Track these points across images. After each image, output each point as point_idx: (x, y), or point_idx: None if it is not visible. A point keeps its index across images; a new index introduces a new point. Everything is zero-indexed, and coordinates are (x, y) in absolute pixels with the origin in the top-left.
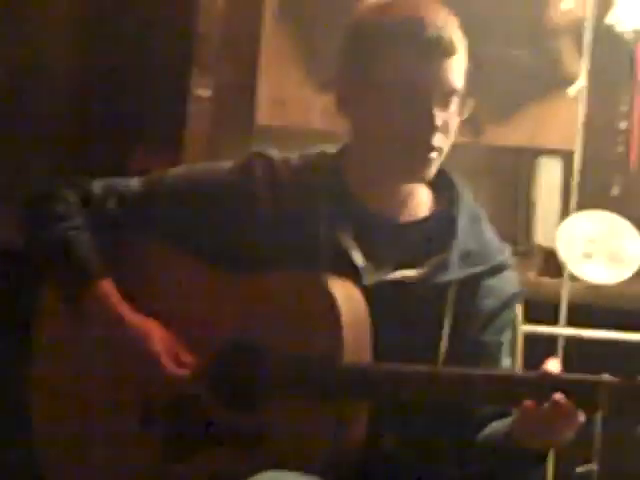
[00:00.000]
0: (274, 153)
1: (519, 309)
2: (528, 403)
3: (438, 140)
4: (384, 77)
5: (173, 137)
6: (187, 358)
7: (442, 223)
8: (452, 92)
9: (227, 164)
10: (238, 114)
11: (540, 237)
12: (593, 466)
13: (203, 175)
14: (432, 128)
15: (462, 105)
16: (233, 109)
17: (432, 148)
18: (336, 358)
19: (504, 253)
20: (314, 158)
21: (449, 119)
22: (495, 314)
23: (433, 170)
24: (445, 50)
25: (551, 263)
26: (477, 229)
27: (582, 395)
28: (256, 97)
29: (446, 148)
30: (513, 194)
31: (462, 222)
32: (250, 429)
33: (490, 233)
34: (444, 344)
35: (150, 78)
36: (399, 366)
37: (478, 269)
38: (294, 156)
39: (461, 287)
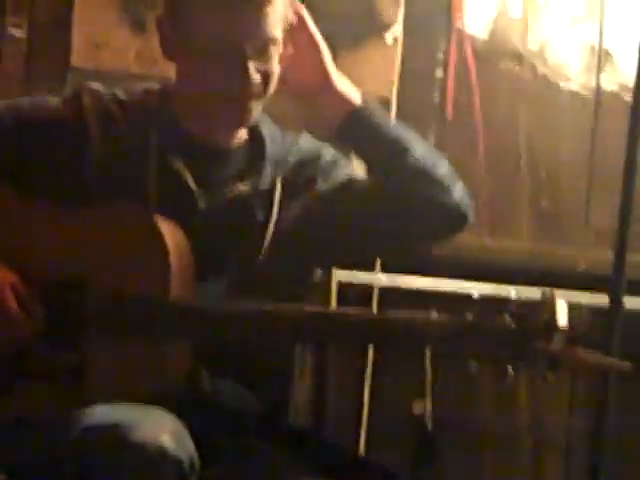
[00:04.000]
0: (100, 87)
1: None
2: None
3: (257, 89)
4: (198, 32)
5: None
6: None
7: (253, 144)
8: (269, 41)
9: (54, 99)
10: (52, 55)
11: None
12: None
13: (30, 110)
14: (249, 82)
15: (282, 51)
16: (47, 50)
17: (251, 97)
18: (162, 294)
19: (320, 150)
20: (140, 92)
21: (268, 67)
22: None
23: (254, 115)
24: (258, 1)
25: None
26: (278, 140)
27: (411, 332)
28: (71, 39)
29: (268, 93)
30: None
31: (267, 136)
32: (71, 365)
33: (295, 137)
34: (271, 228)
35: None
36: (224, 305)
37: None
38: (119, 91)
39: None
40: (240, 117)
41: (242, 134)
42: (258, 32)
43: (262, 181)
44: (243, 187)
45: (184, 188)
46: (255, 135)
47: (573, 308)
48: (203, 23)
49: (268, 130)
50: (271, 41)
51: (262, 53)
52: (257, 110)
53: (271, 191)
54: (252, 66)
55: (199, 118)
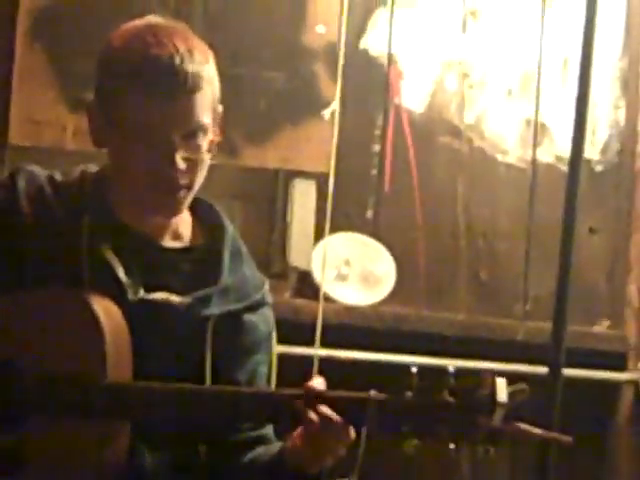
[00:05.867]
0: (37, 169)
1: (274, 348)
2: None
3: (185, 178)
4: (125, 117)
5: None
6: None
7: (207, 256)
8: (198, 128)
9: None
10: None
11: (295, 258)
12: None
13: None
14: (175, 170)
15: (211, 139)
16: None
17: (179, 187)
18: (99, 376)
19: (262, 289)
20: (77, 175)
21: (197, 155)
22: (250, 352)
23: (183, 206)
24: (187, 88)
25: (306, 284)
26: (237, 265)
27: (351, 411)
28: (9, 116)
29: (197, 182)
30: (268, 215)
31: (226, 259)
32: (8, 451)
33: (249, 268)
34: (209, 375)
35: None
36: (158, 385)
37: (238, 306)
38: (57, 173)
39: (220, 322)
40: (169, 207)
41: (182, 237)
42: (187, 118)
43: (199, 306)
44: (174, 299)
45: (113, 277)
46: (214, 252)
47: (513, 382)
48: (129, 110)
49: (232, 257)
50: (200, 128)
51: (190, 141)
52: (188, 200)
53: (204, 323)
54: (179, 156)
55: (131, 206)
